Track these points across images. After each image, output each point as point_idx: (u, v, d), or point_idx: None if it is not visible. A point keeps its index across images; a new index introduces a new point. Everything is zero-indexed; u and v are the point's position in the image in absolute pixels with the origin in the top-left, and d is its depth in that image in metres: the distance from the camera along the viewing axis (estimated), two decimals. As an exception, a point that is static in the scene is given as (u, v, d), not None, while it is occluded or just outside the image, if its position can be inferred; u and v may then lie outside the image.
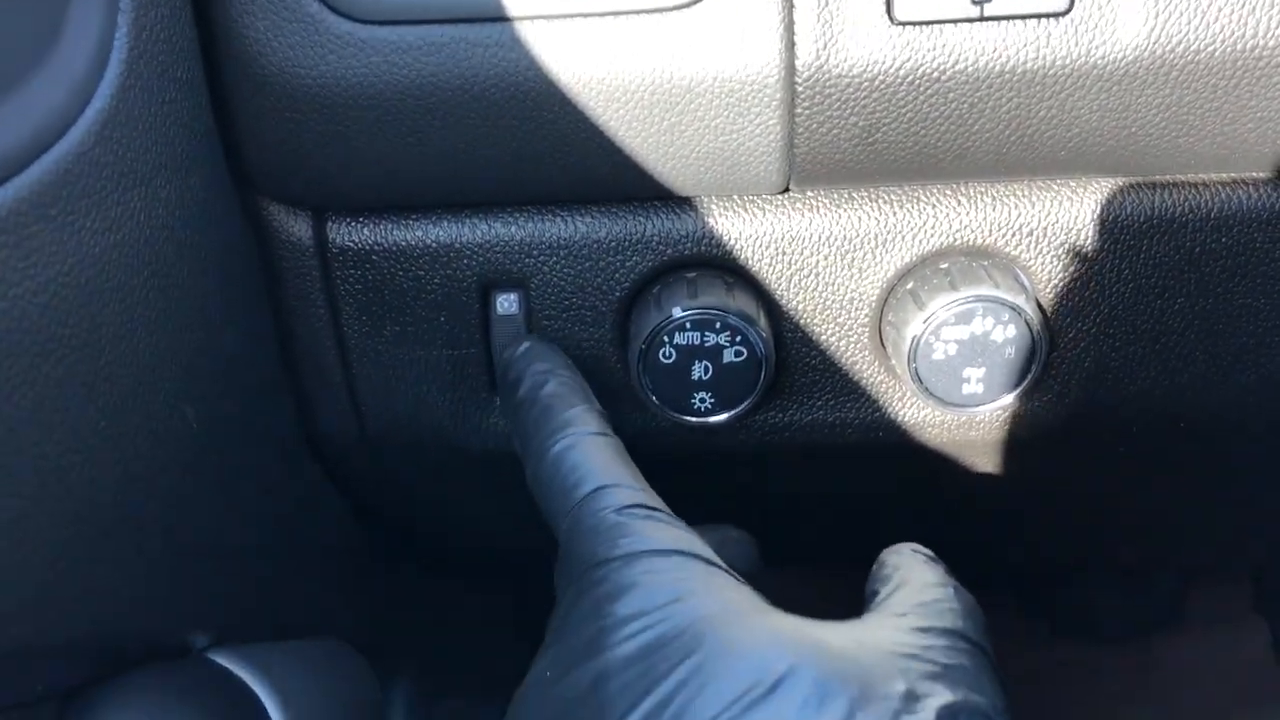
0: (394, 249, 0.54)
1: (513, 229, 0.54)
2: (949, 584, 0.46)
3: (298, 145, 0.49)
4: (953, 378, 0.52)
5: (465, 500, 0.66)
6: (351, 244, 0.54)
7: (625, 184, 0.51)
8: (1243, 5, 0.46)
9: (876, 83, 0.48)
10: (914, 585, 0.45)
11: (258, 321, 0.54)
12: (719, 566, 0.44)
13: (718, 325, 0.52)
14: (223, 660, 0.47)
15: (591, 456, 0.46)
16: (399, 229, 0.54)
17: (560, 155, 0.50)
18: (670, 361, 0.52)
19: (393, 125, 0.49)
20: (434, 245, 0.54)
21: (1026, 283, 0.53)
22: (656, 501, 0.45)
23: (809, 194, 0.53)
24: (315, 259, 0.54)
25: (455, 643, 0.86)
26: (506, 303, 0.55)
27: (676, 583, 0.41)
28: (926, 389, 0.52)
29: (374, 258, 0.54)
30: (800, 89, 0.48)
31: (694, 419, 0.54)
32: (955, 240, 0.53)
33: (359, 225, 0.54)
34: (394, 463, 0.61)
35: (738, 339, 0.52)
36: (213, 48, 0.48)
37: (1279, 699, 1.15)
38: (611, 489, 0.45)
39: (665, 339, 0.52)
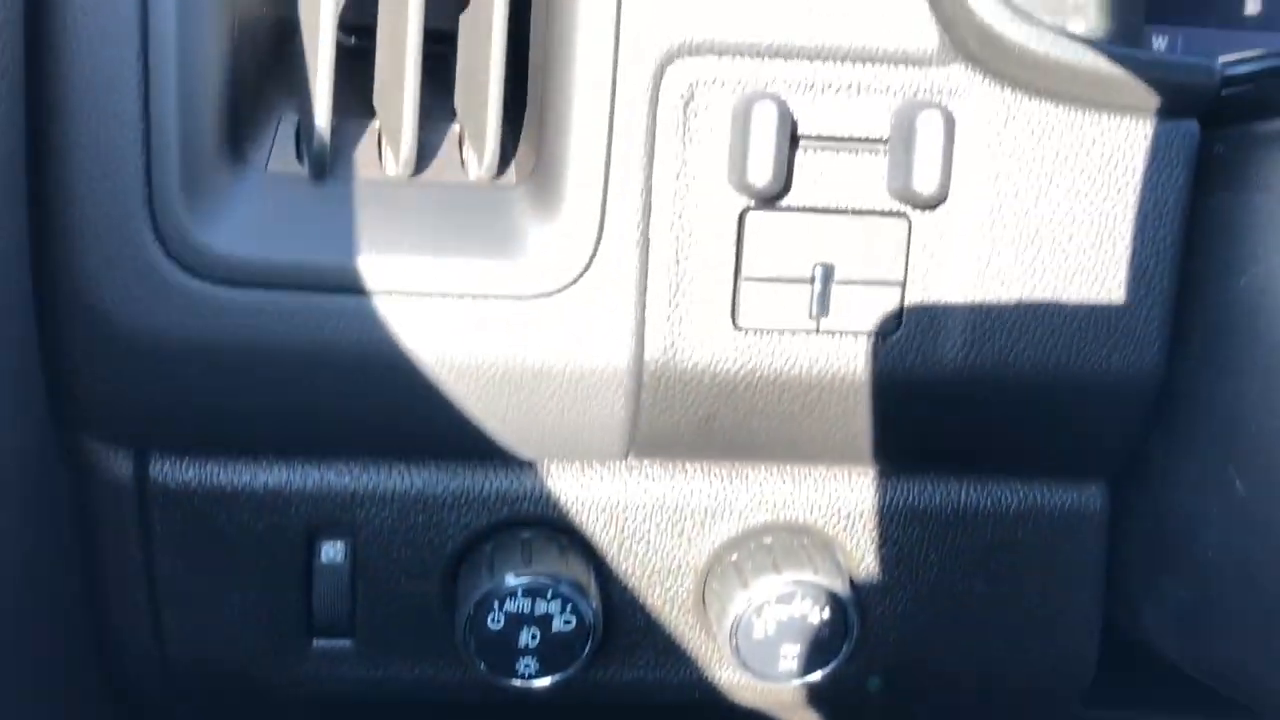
0: (218, 491, 0.52)
1: (345, 479, 0.53)
2: None
3: (128, 389, 0.47)
4: (770, 654, 0.54)
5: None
6: (174, 484, 0.52)
7: (467, 446, 0.51)
8: (1048, 336, 0.50)
9: (718, 380, 0.50)
10: None
11: (63, 557, 0.51)
12: None
13: (549, 593, 0.52)
14: None
15: None
16: (225, 471, 0.52)
17: (403, 419, 0.50)
18: (498, 628, 0.52)
19: (233, 379, 0.48)
20: (261, 491, 0.52)
21: (843, 562, 0.56)
22: None
23: (646, 463, 0.54)
24: (133, 497, 0.51)
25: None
26: (332, 551, 0.53)
27: None
28: (745, 664, 0.54)
29: (196, 499, 0.52)
30: (647, 380, 0.49)
31: (518, 682, 0.53)
32: (779, 516, 0.55)
33: (183, 464, 0.52)
34: (197, 706, 0.57)
35: (568, 607, 0.52)
36: (50, 294, 0.45)
37: None
38: None
39: (495, 605, 0.52)
